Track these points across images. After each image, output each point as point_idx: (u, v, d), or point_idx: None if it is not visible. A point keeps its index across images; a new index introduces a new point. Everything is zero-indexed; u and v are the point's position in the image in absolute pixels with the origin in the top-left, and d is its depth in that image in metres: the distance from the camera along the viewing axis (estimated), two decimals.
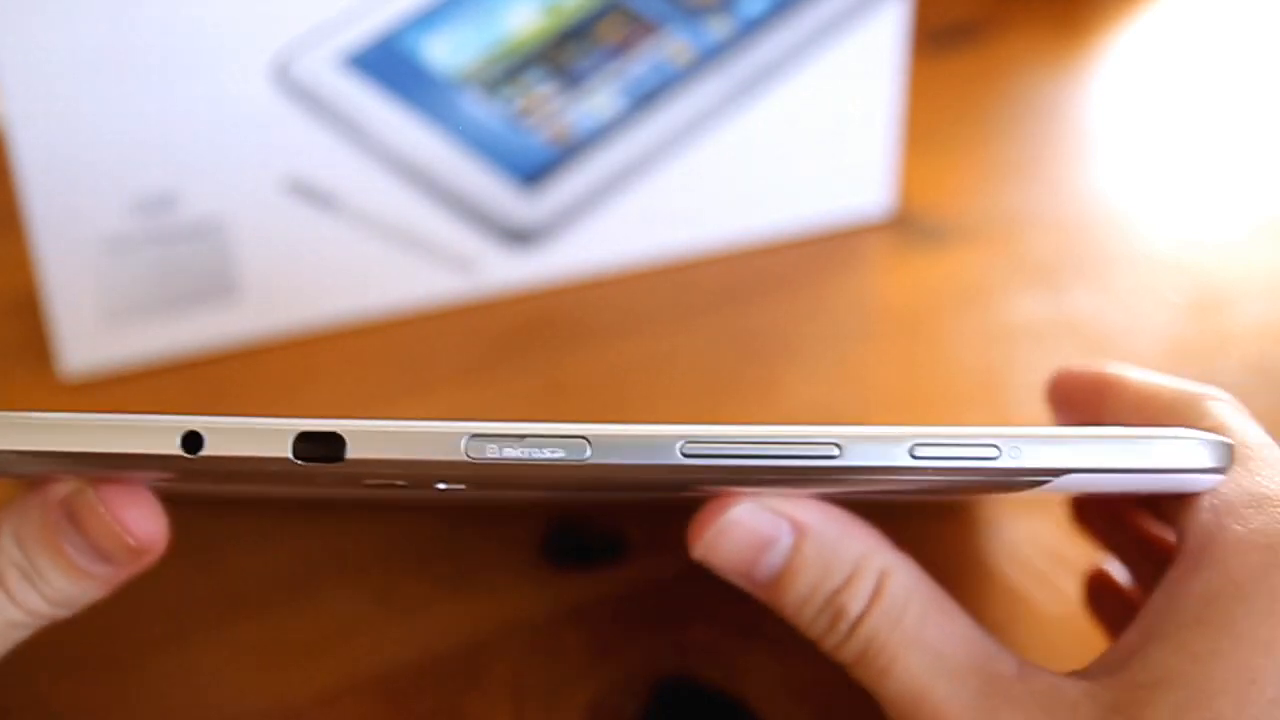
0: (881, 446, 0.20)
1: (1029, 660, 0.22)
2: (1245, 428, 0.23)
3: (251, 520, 0.32)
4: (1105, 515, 0.28)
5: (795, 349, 0.39)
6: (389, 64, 0.37)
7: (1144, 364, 0.32)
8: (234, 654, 0.30)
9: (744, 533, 0.22)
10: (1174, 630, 0.21)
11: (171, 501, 0.29)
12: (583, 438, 0.20)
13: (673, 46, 0.40)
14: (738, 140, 0.41)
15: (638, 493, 0.23)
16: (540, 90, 0.39)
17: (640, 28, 0.39)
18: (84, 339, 0.37)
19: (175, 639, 0.30)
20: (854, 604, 0.22)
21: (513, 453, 0.20)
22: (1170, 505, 0.23)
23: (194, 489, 0.25)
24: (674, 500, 0.23)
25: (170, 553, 0.32)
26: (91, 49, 0.34)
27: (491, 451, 0.20)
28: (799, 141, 0.42)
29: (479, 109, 0.38)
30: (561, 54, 0.39)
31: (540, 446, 0.20)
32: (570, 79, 0.39)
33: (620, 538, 0.32)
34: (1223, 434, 0.23)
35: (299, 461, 0.20)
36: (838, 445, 0.20)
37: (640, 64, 0.40)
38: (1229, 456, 0.22)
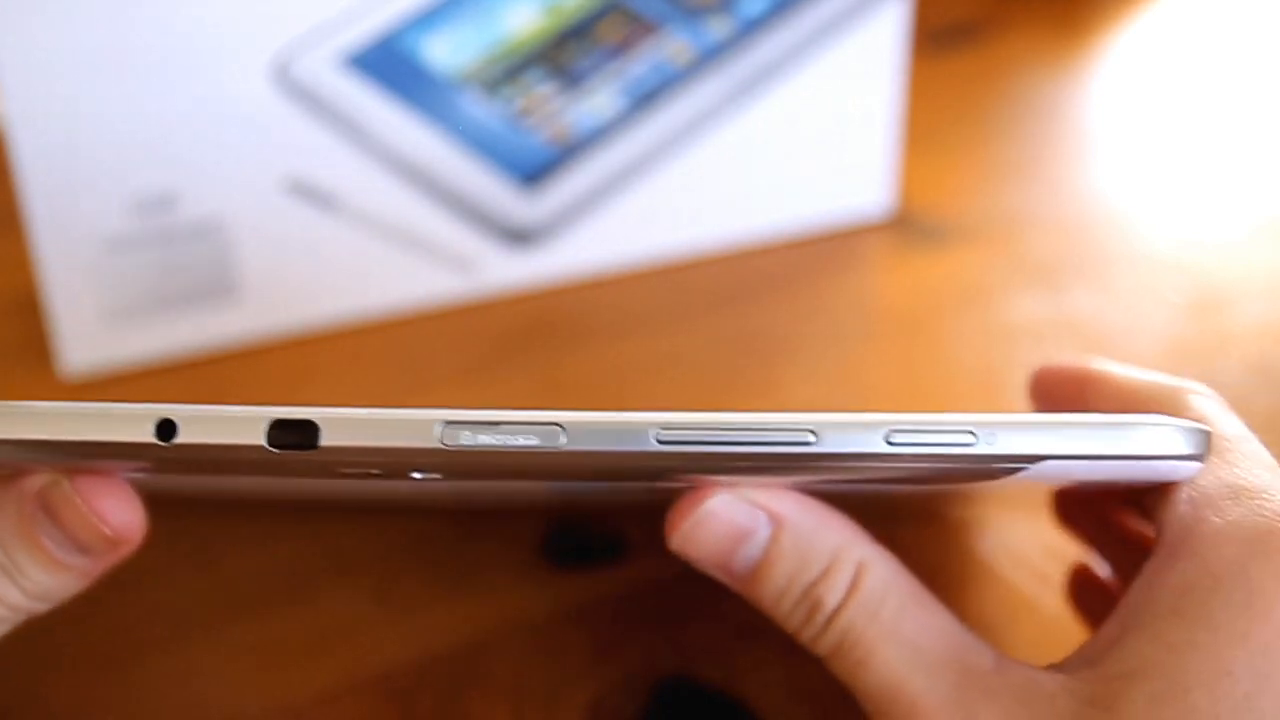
0: (857, 433, 0.20)
1: (1007, 653, 0.22)
2: (1225, 421, 0.23)
3: (251, 521, 0.32)
4: (1088, 512, 0.28)
5: (795, 349, 0.39)
6: (389, 64, 0.37)
7: (1144, 364, 0.32)
8: (234, 654, 0.30)
9: (721, 524, 0.22)
10: (1150, 622, 0.21)
11: (171, 503, 0.29)
12: (557, 425, 0.20)
13: (673, 46, 0.40)
14: (738, 140, 0.41)
15: (616, 483, 0.23)
16: (540, 90, 0.39)
17: (640, 28, 0.39)
18: (84, 339, 0.37)
19: (175, 639, 0.30)
20: (831, 596, 0.22)
21: (487, 440, 0.20)
22: (1149, 498, 0.23)
23: (184, 485, 0.25)
24: (669, 498, 0.23)
25: (170, 553, 0.32)
26: (91, 49, 0.34)
27: (466, 438, 0.20)
28: (799, 141, 0.42)
29: (479, 109, 0.38)
30: (561, 54, 0.39)
31: (515, 434, 0.20)
32: (570, 79, 0.39)
33: (620, 538, 0.32)
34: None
35: (273, 449, 0.20)
36: (813, 432, 0.20)
37: (640, 64, 0.40)
38: (1206, 444, 0.22)
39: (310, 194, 0.38)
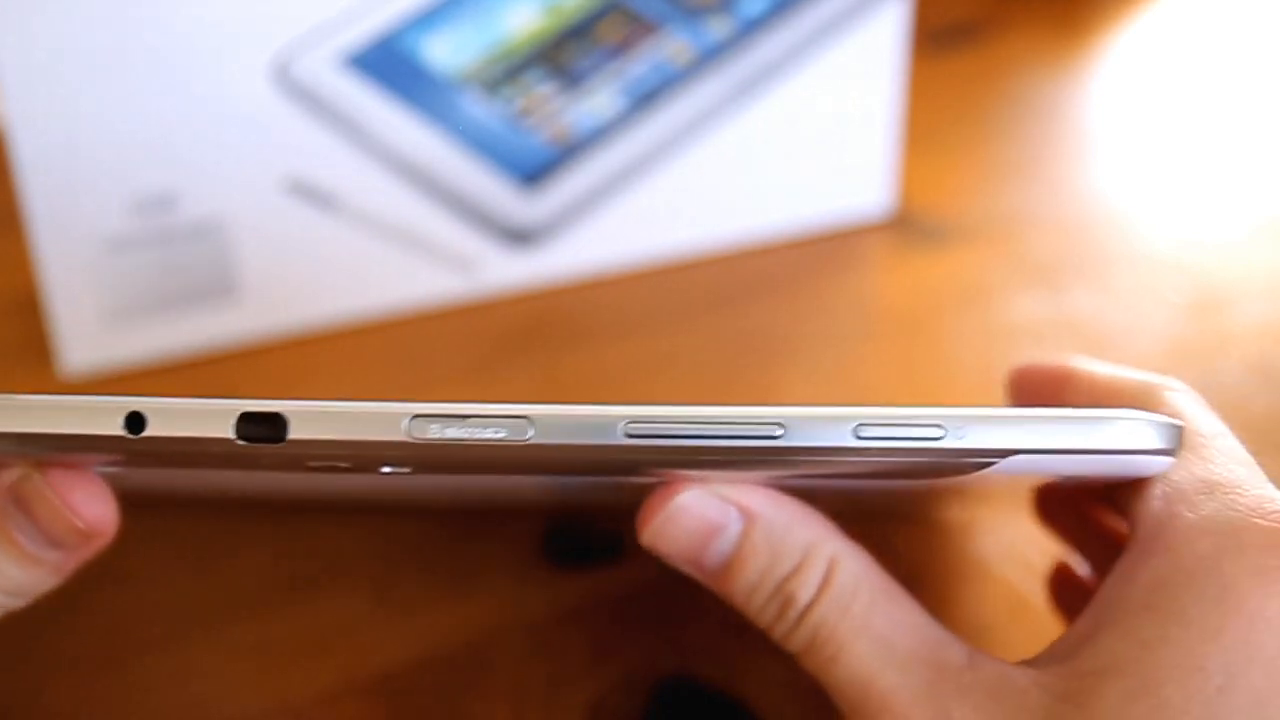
0: (825, 426, 0.20)
1: (980, 649, 0.22)
2: (1200, 416, 0.23)
3: (251, 521, 0.32)
4: (1067, 509, 0.28)
5: (795, 349, 0.39)
6: (389, 64, 0.37)
7: (1144, 364, 0.32)
8: (234, 654, 0.30)
9: (692, 519, 0.22)
10: (1123, 617, 0.21)
11: (172, 504, 0.29)
12: (525, 417, 0.20)
13: (673, 46, 0.40)
14: (737, 140, 0.41)
15: (589, 477, 0.23)
16: (540, 90, 0.39)
17: (640, 28, 0.39)
18: (84, 339, 0.37)
19: (175, 639, 0.30)
20: (803, 592, 0.22)
21: (454, 433, 0.20)
22: (1123, 493, 0.23)
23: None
24: None
25: (170, 553, 0.32)
26: (91, 49, 0.34)
27: (434, 431, 0.20)
28: (799, 141, 0.42)
29: (479, 109, 0.38)
30: (561, 54, 0.39)
31: (483, 426, 0.20)
32: (570, 79, 0.39)
33: (620, 538, 0.32)
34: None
35: (241, 442, 0.20)
36: (781, 425, 0.20)
37: (640, 64, 0.40)
38: (1178, 438, 0.22)
39: (310, 194, 0.38)
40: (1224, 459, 0.22)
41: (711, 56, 0.40)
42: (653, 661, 0.29)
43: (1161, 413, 0.23)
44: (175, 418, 0.20)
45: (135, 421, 0.20)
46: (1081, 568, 0.29)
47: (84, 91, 0.34)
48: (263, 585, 0.31)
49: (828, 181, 0.43)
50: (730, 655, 0.29)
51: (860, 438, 0.20)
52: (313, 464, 0.20)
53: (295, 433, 0.20)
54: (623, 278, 0.42)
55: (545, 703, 0.28)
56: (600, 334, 0.40)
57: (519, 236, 0.40)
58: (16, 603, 0.23)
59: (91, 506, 0.22)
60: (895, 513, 0.33)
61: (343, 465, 0.20)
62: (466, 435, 0.20)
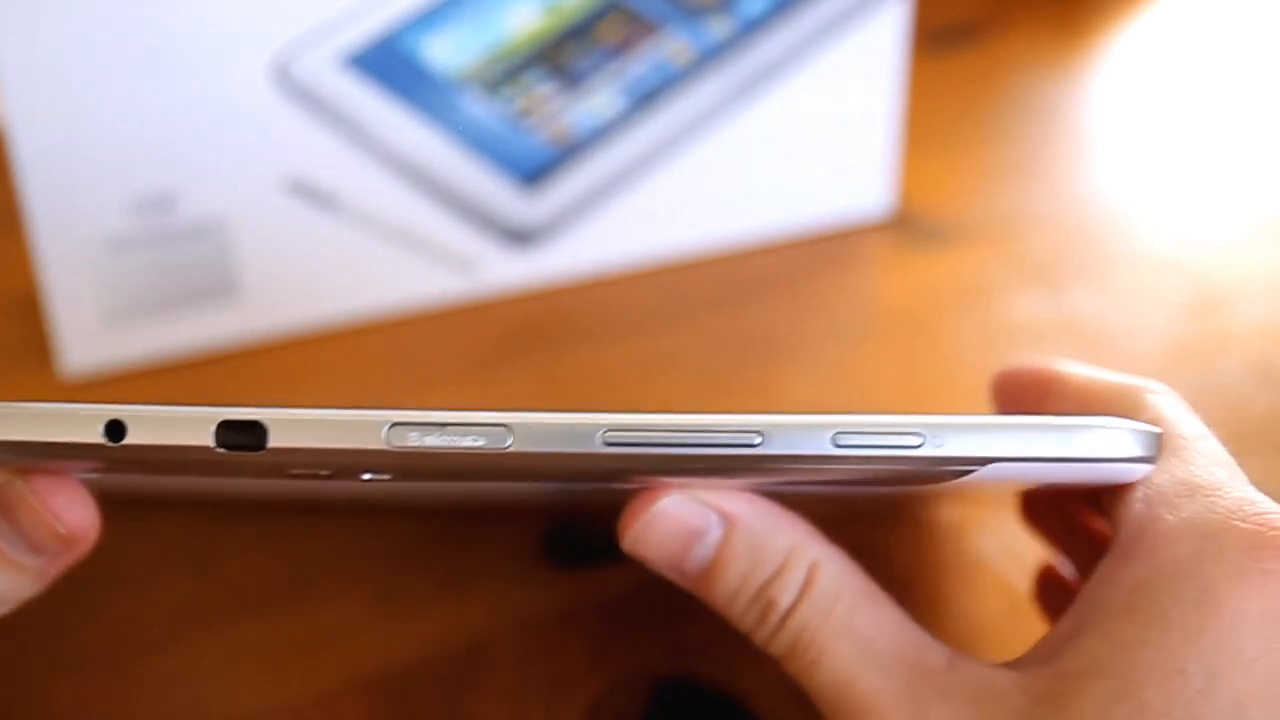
0: (803, 434, 0.20)
1: (961, 651, 0.22)
2: (1182, 419, 0.23)
3: (251, 521, 0.32)
4: (1053, 511, 0.28)
5: (795, 349, 0.39)
6: (389, 64, 0.37)
7: (1144, 364, 0.32)
8: (234, 654, 0.30)
9: (672, 524, 0.22)
10: (1104, 619, 0.21)
11: (171, 505, 0.29)
12: (504, 425, 0.20)
13: (673, 46, 0.40)
14: (738, 140, 0.41)
15: (571, 484, 0.23)
16: (540, 90, 0.39)
17: (640, 28, 0.39)
18: (84, 339, 0.37)
19: (175, 639, 0.30)
20: (784, 596, 0.22)
21: (434, 441, 0.20)
22: (1106, 496, 0.23)
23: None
24: None
25: (170, 553, 0.32)
26: (91, 49, 0.34)
27: (413, 439, 0.20)
28: (799, 141, 0.42)
29: (479, 109, 0.38)
30: (561, 54, 0.39)
31: (462, 435, 0.20)
32: (570, 79, 0.39)
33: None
34: (1159, 425, 0.23)
35: (221, 450, 0.20)
36: (760, 433, 0.20)
37: (640, 64, 0.40)
38: (1157, 446, 0.22)
39: (310, 194, 0.38)
40: (1205, 461, 0.22)
41: (711, 56, 0.40)
42: (653, 661, 0.29)
43: (1143, 416, 0.23)
44: (155, 426, 0.20)
45: (115, 429, 0.20)
46: (1067, 569, 0.29)
47: (84, 91, 0.34)
48: (263, 585, 0.31)
49: (828, 181, 0.43)
50: (730, 655, 0.29)
51: (839, 446, 0.20)
52: (293, 472, 0.20)
53: (275, 441, 0.20)
54: (623, 278, 0.42)
55: (545, 703, 0.28)
56: (600, 334, 0.40)
57: (519, 236, 0.40)
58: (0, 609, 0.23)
59: (73, 512, 0.22)
60: (891, 513, 0.33)
61: (323, 473, 0.20)
62: (445, 444, 0.20)
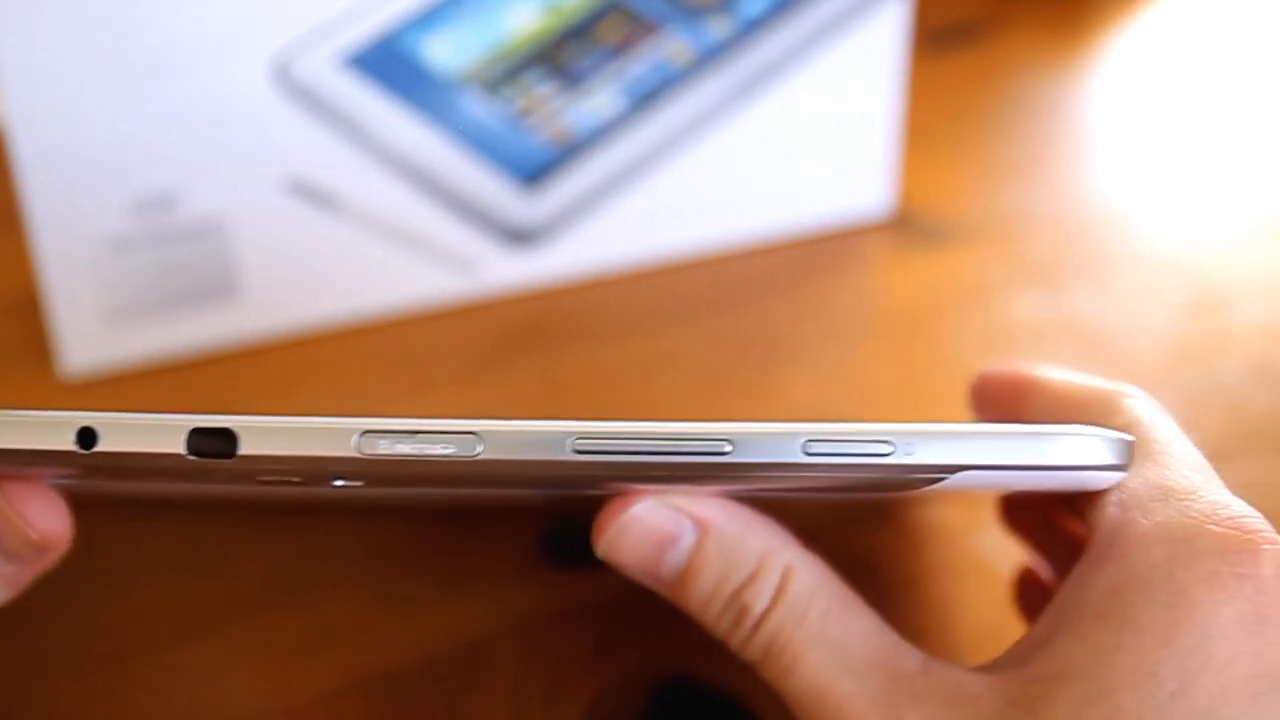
0: (773, 443, 0.21)
1: (935, 656, 0.22)
2: (1157, 423, 0.23)
3: (251, 521, 0.32)
4: (1032, 514, 0.28)
5: (795, 349, 0.39)
6: (389, 64, 0.37)
7: (1144, 364, 0.32)
8: (234, 654, 0.30)
9: (645, 530, 0.22)
10: (1078, 623, 0.21)
11: (173, 507, 0.29)
12: (474, 433, 0.20)
13: (673, 46, 0.40)
14: (738, 140, 0.41)
15: (544, 490, 0.23)
16: (540, 90, 0.39)
17: (640, 28, 0.39)
18: (84, 339, 0.37)
19: (176, 639, 0.30)
20: (758, 601, 0.22)
21: (404, 448, 0.20)
22: (1081, 500, 0.23)
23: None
24: None
25: (170, 553, 0.32)
26: (91, 49, 0.34)
27: (383, 447, 0.20)
28: (799, 141, 0.42)
29: (479, 109, 0.38)
30: (561, 54, 0.39)
31: (432, 443, 0.20)
32: (570, 79, 0.39)
33: None
34: (1135, 430, 0.23)
35: (192, 457, 0.20)
36: (729, 442, 0.20)
37: (640, 64, 0.40)
38: (1128, 453, 0.22)
39: (310, 194, 0.38)
40: (1179, 465, 0.22)
41: (711, 56, 0.40)
42: (653, 661, 0.29)
43: (1119, 420, 0.23)
44: (126, 433, 0.20)
45: (87, 437, 0.20)
46: (1047, 572, 0.29)
47: (84, 91, 0.34)
48: (263, 585, 0.31)
49: (828, 181, 0.43)
50: (730, 655, 0.29)
51: (809, 454, 0.21)
52: (264, 479, 0.20)
53: (245, 448, 0.20)
54: (623, 278, 0.42)
55: (545, 703, 0.28)
56: (600, 334, 0.40)
57: (519, 236, 0.40)
58: None
59: (46, 519, 0.22)
60: (891, 514, 0.33)
61: (294, 480, 0.21)
62: (415, 451, 0.20)
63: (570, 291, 0.41)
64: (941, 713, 0.21)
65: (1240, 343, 0.39)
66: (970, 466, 0.21)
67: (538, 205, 0.40)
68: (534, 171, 0.40)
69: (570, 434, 0.20)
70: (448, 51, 0.38)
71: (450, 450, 0.20)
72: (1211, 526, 0.21)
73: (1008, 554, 0.31)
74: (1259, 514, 0.21)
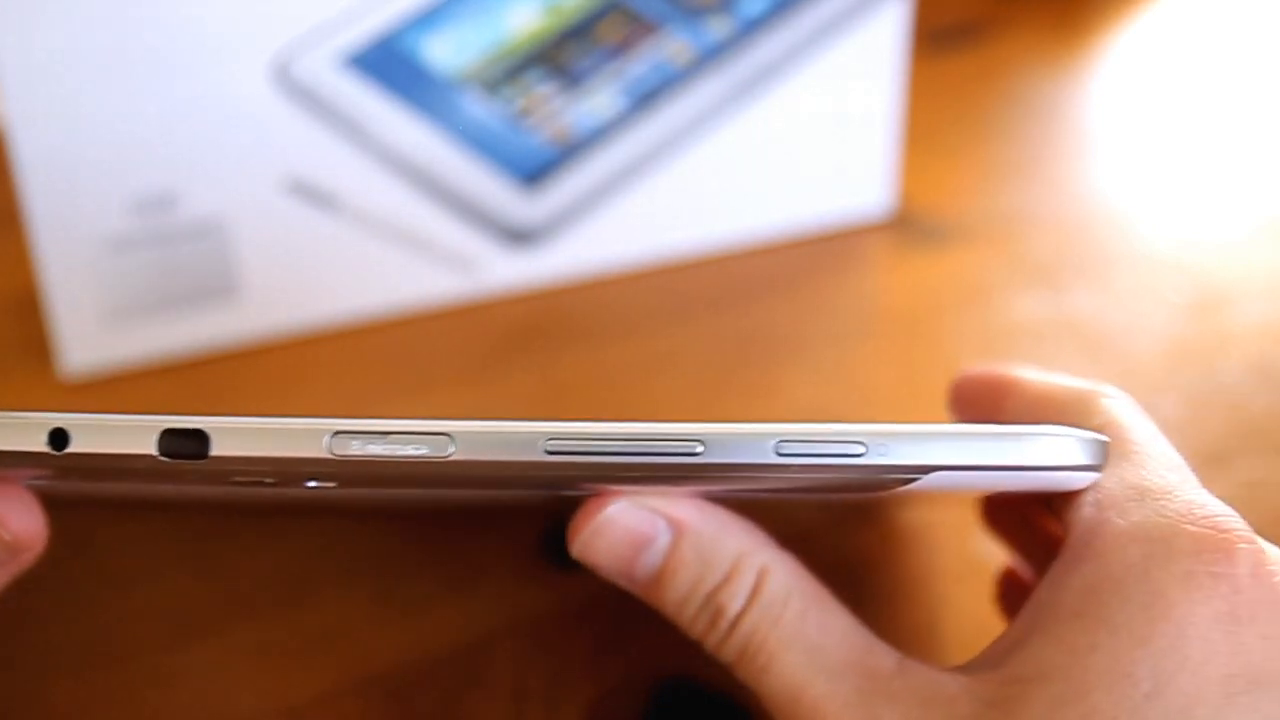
0: (745, 443, 0.21)
1: (928, 657, 0.22)
2: (1135, 423, 0.23)
3: (252, 522, 0.32)
4: (1012, 514, 0.28)
5: (795, 349, 0.39)
6: (389, 64, 0.37)
7: (1144, 364, 0.32)
8: (234, 654, 0.30)
9: (620, 531, 0.22)
10: (1053, 624, 0.21)
11: (173, 507, 0.29)
12: (445, 434, 0.20)
13: (673, 46, 0.40)
14: (738, 140, 0.41)
15: (513, 491, 0.23)
16: (540, 90, 0.39)
17: (640, 28, 0.39)
18: (84, 339, 0.37)
19: (176, 639, 0.30)
20: (733, 602, 0.22)
21: (376, 449, 0.20)
22: (1057, 500, 0.23)
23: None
24: None
25: (171, 553, 0.32)
26: (91, 49, 0.34)
27: (355, 448, 0.20)
28: (799, 141, 0.42)
29: (479, 109, 0.38)
30: (561, 54, 0.39)
31: (403, 443, 0.20)
32: (570, 79, 0.39)
33: None
34: (1112, 430, 0.23)
35: (164, 458, 0.20)
36: (701, 442, 0.20)
37: (640, 64, 0.40)
38: (1103, 454, 0.22)
39: (310, 194, 0.38)
40: (1155, 465, 0.22)
41: (711, 56, 0.40)
42: (653, 661, 0.29)
43: (1096, 421, 0.23)
44: (98, 434, 0.20)
45: (59, 438, 0.20)
46: (1029, 572, 0.29)
47: (84, 91, 0.34)
48: (263, 585, 0.31)
49: (828, 181, 0.43)
50: None
51: (781, 455, 0.21)
52: (237, 480, 0.20)
53: (217, 449, 0.20)
54: (623, 278, 0.42)
55: (545, 703, 0.28)
56: (600, 334, 0.40)
57: (519, 236, 0.40)
58: None
59: (20, 520, 0.22)
60: (889, 513, 0.33)
61: (267, 481, 0.21)
62: (387, 452, 0.20)
63: (570, 291, 0.41)
64: (917, 713, 0.21)
65: (1240, 343, 0.39)
66: (943, 467, 0.21)
67: (538, 205, 0.40)
68: (534, 171, 0.40)
69: (542, 435, 0.20)
70: (448, 51, 0.38)
71: (422, 451, 0.20)
72: (1187, 526, 0.21)
73: (1001, 555, 0.31)
74: (1235, 513, 0.21)
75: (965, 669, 0.22)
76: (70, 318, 0.36)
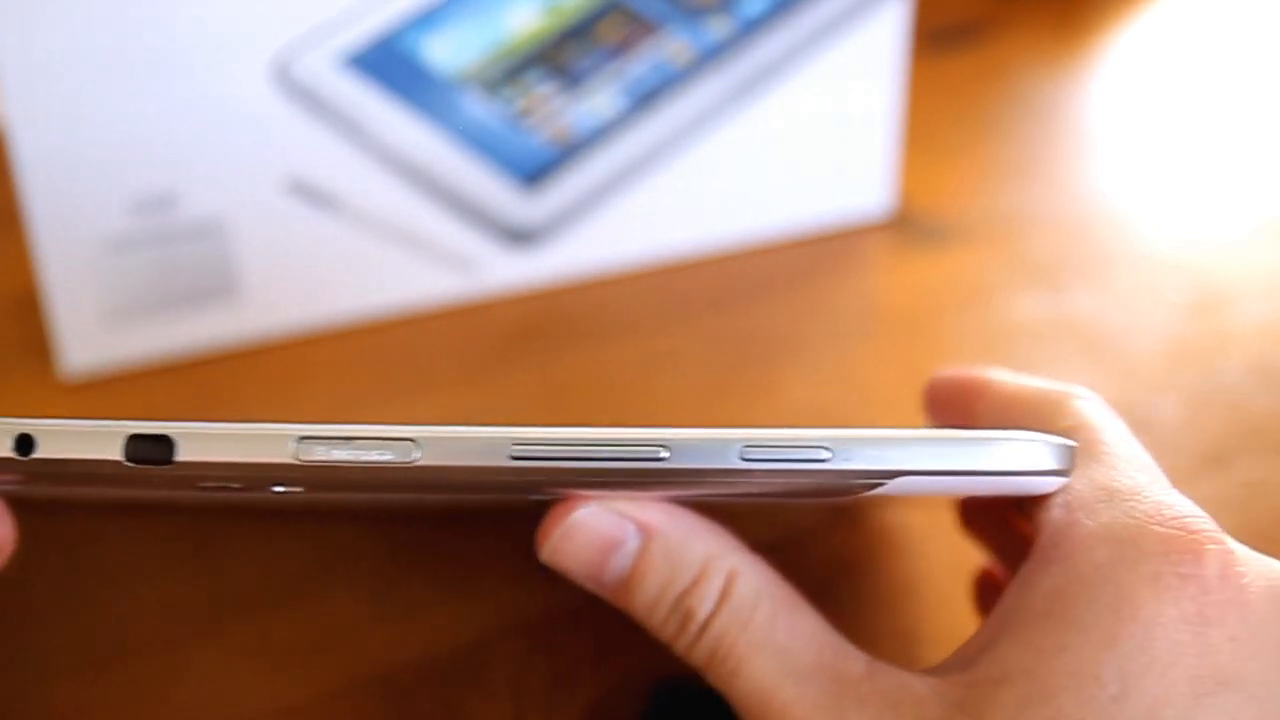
0: (710, 449, 0.21)
1: (880, 659, 0.22)
2: (1105, 425, 0.23)
3: (251, 521, 0.32)
4: (989, 516, 0.28)
5: (795, 349, 0.39)
6: (389, 64, 0.37)
7: (1144, 364, 0.32)
8: (234, 654, 0.30)
9: (589, 535, 0.22)
10: (1022, 625, 0.21)
11: (173, 508, 0.29)
12: (410, 440, 0.20)
13: (673, 46, 0.40)
14: (737, 140, 0.41)
15: (484, 496, 0.23)
16: (540, 90, 0.39)
17: (640, 28, 0.39)
18: (84, 339, 0.37)
19: (176, 640, 0.30)
20: (702, 605, 0.22)
21: (341, 454, 0.20)
22: (1029, 502, 0.23)
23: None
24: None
25: (170, 553, 0.32)
26: (91, 49, 0.34)
27: (320, 453, 0.20)
28: (799, 141, 0.42)
29: (479, 109, 0.38)
30: (561, 54, 0.39)
31: (368, 449, 0.20)
32: (570, 79, 0.39)
33: None
34: (1082, 432, 0.23)
35: (130, 464, 0.20)
36: (666, 448, 0.21)
37: (640, 64, 0.40)
38: (1070, 458, 0.22)
39: (310, 194, 0.38)
40: (1125, 466, 0.22)
41: (711, 56, 0.40)
42: (653, 661, 0.29)
43: (1066, 423, 0.23)
44: (64, 440, 0.20)
45: (25, 443, 0.20)
46: (1006, 574, 0.29)
47: (84, 91, 0.34)
48: (263, 585, 0.31)
49: (828, 181, 0.43)
50: None
51: (746, 460, 0.21)
52: (204, 485, 0.21)
53: (182, 454, 0.20)
54: (623, 278, 0.42)
55: (545, 703, 0.28)
56: (600, 334, 0.40)
57: (519, 236, 0.40)
58: None
59: None
60: (888, 513, 0.33)
61: (234, 485, 0.21)
62: (352, 457, 0.20)
63: (570, 291, 0.41)
64: (886, 715, 0.21)
65: (1240, 343, 0.39)
66: (908, 472, 0.21)
67: (538, 205, 0.40)
68: (534, 171, 0.40)
69: (507, 440, 0.20)
70: (448, 51, 0.38)
71: (387, 456, 0.20)
72: (1155, 527, 0.21)
73: (980, 556, 0.31)
74: (1204, 514, 0.21)
75: (935, 671, 0.22)
76: (70, 318, 0.36)
